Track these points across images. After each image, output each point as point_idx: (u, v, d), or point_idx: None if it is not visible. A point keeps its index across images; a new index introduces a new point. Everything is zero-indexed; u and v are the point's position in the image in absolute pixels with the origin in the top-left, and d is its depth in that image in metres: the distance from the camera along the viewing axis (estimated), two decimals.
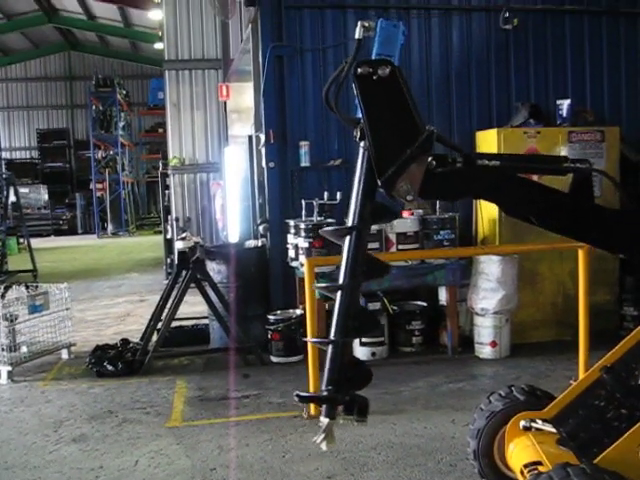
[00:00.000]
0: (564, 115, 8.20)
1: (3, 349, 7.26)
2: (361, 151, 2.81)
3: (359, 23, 2.84)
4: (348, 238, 2.83)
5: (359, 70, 2.72)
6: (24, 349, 7.70)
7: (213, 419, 5.87)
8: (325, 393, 2.80)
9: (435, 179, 2.81)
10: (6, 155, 29.57)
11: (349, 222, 2.84)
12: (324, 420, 2.80)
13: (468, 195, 2.96)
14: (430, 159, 2.78)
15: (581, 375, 5.64)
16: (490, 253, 7.30)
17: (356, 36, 2.85)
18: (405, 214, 7.74)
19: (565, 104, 8.24)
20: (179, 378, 7.11)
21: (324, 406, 2.82)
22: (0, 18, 26.49)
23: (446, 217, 7.62)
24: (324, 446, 2.80)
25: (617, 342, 3.70)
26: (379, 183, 2.73)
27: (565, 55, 8.75)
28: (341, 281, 2.82)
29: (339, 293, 2.83)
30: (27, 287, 7.95)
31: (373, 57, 2.76)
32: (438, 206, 7.77)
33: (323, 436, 2.80)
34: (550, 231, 2.99)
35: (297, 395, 2.91)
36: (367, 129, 2.79)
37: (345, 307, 2.83)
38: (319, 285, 2.99)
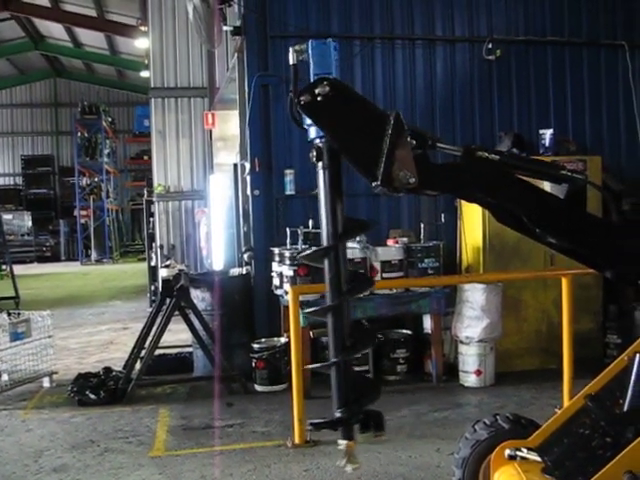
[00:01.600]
0: (547, 144, 8.30)
1: None
2: (320, 172, 2.80)
3: (290, 49, 2.86)
4: (326, 259, 2.82)
5: (302, 100, 2.73)
6: (5, 377, 7.62)
7: (196, 448, 5.81)
8: (338, 415, 2.77)
9: (434, 169, 2.81)
10: None
11: (324, 243, 2.82)
12: (342, 442, 2.77)
13: (464, 189, 2.95)
14: (409, 139, 2.78)
15: (566, 403, 5.64)
16: (474, 281, 7.32)
17: (290, 62, 2.87)
18: (390, 242, 7.77)
19: (548, 134, 8.34)
20: (162, 407, 7.04)
21: (341, 429, 2.79)
22: None
23: (430, 245, 7.65)
24: (349, 469, 2.78)
25: (601, 370, 3.70)
26: (378, 184, 2.70)
27: (547, 85, 8.88)
28: (329, 302, 2.81)
29: (329, 314, 2.82)
30: (9, 314, 7.88)
31: (311, 79, 2.76)
32: (422, 234, 7.80)
33: (346, 459, 2.77)
34: (541, 233, 2.96)
35: (311, 423, 2.88)
36: (339, 146, 2.79)
37: (338, 327, 2.82)
38: (308, 310, 2.96)
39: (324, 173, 2.78)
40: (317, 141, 2.80)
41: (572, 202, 2.94)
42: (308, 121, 2.77)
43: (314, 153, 2.79)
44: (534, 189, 2.91)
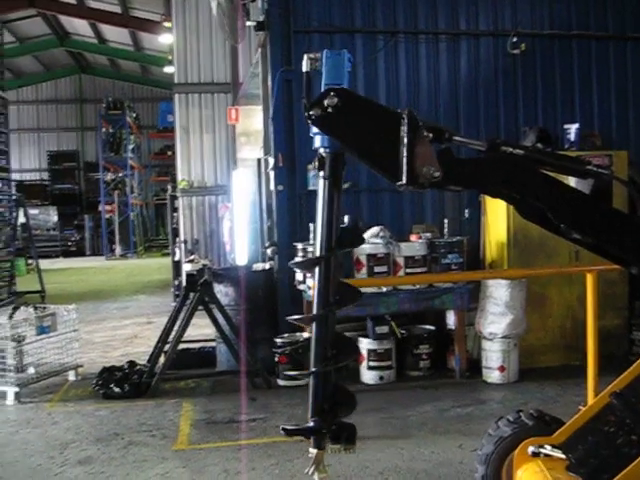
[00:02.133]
0: (572, 139, 8.22)
1: (10, 370, 7.26)
2: (321, 181, 2.80)
3: (305, 56, 2.84)
4: (317, 269, 2.83)
5: (312, 115, 2.72)
6: (31, 370, 7.70)
7: (219, 442, 5.84)
8: (311, 424, 2.79)
9: (458, 164, 2.80)
10: (16, 176, 29.67)
11: (316, 252, 2.81)
12: (313, 451, 2.79)
13: (488, 184, 2.93)
14: (426, 133, 2.78)
15: (590, 400, 5.59)
16: (498, 277, 7.29)
17: (303, 69, 2.87)
18: (413, 238, 7.74)
19: (573, 128, 8.26)
20: (186, 401, 7.09)
21: (312, 437, 2.81)
22: (13, 42, 26.78)
23: (454, 241, 7.62)
24: (316, 477, 2.79)
25: (627, 367, 3.66)
26: (404, 184, 2.69)
27: (573, 79, 8.79)
28: (314, 311, 2.83)
29: (314, 324, 2.84)
30: (35, 308, 7.97)
31: (322, 89, 2.75)
32: (446, 230, 7.77)
33: (314, 467, 2.79)
34: (566, 229, 2.93)
35: (283, 429, 2.90)
36: (358, 154, 2.80)
37: (321, 337, 2.83)
38: (291, 318, 2.97)
39: (324, 183, 2.78)
40: (321, 150, 2.78)
41: (598, 198, 2.91)
42: (314, 129, 2.77)
43: (317, 162, 2.79)
44: (559, 184, 2.88)
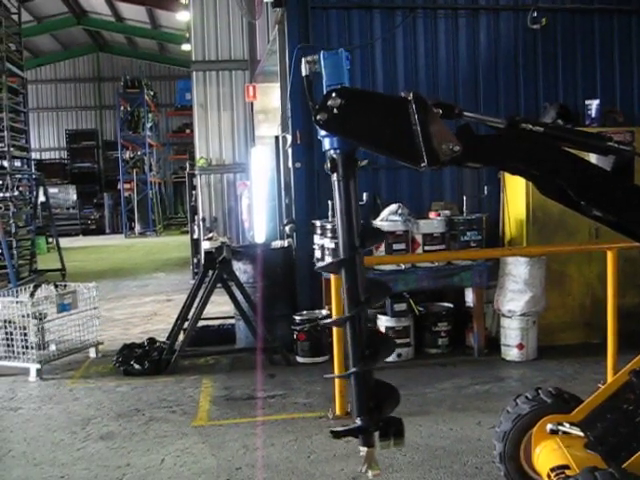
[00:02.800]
0: (593, 115, 8.13)
1: (32, 347, 7.34)
2: (335, 184, 2.79)
3: (303, 60, 2.83)
4: (343, 270, 2.83)
5: (319, 119, 2.70)
6: (53, 347, 7.79)
7: (239, 418, 5.89)
8: (359, 423, 2.80)
9: (477, 140, 2.78)
10: (36, 155, 29.88)
11: (340, 254, 2.81)
12: (363, 449, 2.81)
13: (508, 161, 2.91)
14: (435, 111, 2.76)
15: (609, 378, 5.58)
16: (517, 254, 7.25)
17: (303, 73, 2.86)
18: (432, 215, 7.72)
19: (594, 104, 8.17)
20: (205, 377, 7.15)
21: (361, 436, 2.83)
22: (30, 21, 26.80)
23: (473, 218, 7.58)
24: (370, 474, 2.83)
25: None
26: (426, 165, 2.68)
27: (594, 55, 8.67)
28: (346, 312, 2.83)
29: (347, 324, 2.84)
30: (56, 286, 8.04)
31: (324, 90, 2.74)
32: (465, 207, 7.74)
33: (366, 465, 2.82)
34: (586, 206, 2.91)
35: (331, 431, 2.92)
36: (373, 148, 2.80)
37: (356, 336, 2.84)
38: (325, 322, 3.00)
39: (339, 184, 2.77)
40: (331, 152, 2.78)
41: (619, 174, 2.88)
42: (322, 132, 2.75)
43: (328, 165, 2.78)
44: (579, 161, 2.85)
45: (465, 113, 2.86)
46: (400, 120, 2.70)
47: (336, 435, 2.92)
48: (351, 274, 2.79)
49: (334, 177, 2.77)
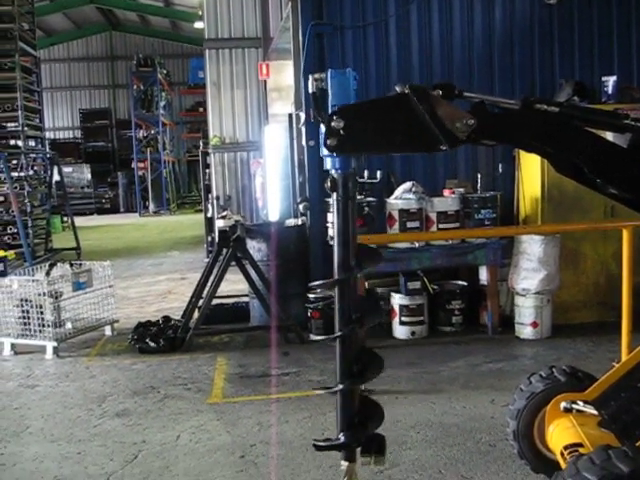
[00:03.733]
0: (609, 92, 8.03)
1: (49, 325, 7.41)
2: (335, 203, 2.82)
3: (310, 77, 2.84)
4: (337, 289, 2.86)
5: (330, 145, 2.71)
6: (69, 325, 7.86)
7: (253, 396, 5.93)
8: (342, 438, 2.86)
9: (492, 117, 2.78)
10: (50, 135, 29.93)
11: (335, 274, 2.85)
12: (344, 464, 2.87)
13: (523, 138, 2.91)
14: (436, 92, 2.75)
15: (624, 357, 5.57)
16: (532, 233, 7.22)
17: (310, 90, 2.86)
18: (446, 193, 7.69)
19: (611, 81, 8.06)
20: (220, 355, 7.19)
21: (343, 450, 2.89)
22: None
23: (487, 196, 7.55)
24: None
25: None
26: (446, 148, 2.70)
27: (611, 30, 8.55)
28: (337, 329, 2.86)
29: (337, 341, 2.87)
30: (71, 265, 8.09)
31: (329, 110, 2.77)
32: (479, 185, 7.69)
33: (347, 478, 2.87)
34: (602, 183, 2.89)
35: (314, 445, 2.99)
36: (392, 152, 2.84)
37: (345, 354, 2.88)
38: (315, 338, 3.06)
39: (338, 204, 2.81)
40: (332, 172, 2.81)
41: (635, 152, 2.85)
42: (324, 152, 2.76)
43: (329, 184, 2.81)
44: (596, 138, 2.83)
45: (466, 93, 2.86)
46: (407, 116, 2.72)
47: (318, 448, 3.01)
48: (343, 295, 2.84)
49: (334, 196, 2.82)
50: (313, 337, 7.44)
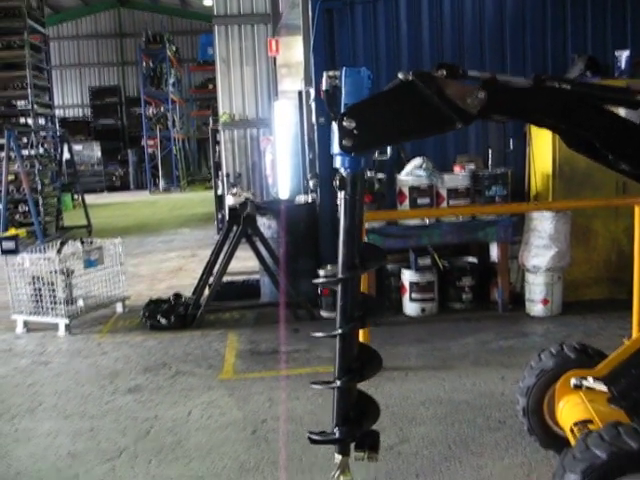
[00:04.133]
0: (622, 67, 7.94)
1: (61, 303, 7.46)
2: (342, 202, 2.85)
3: (324, 74, 2.84)
4: (340, 287, 2.89)
5: (346, 146, 2.74)
6: (80, 303, 7.91)
7: (264, 372, 5.96)
8: (337, 434, 2.93)
9: (503, 91, 2.79)
10: (59, 113, 29.94)
11: (339, 272, 2.88)
12: (338, 457, 2.94)
13: (533, 114, 2.90)
14: (439, 72, 2.76)
15: (634, 334, 5.57)
16: (543, 209, 7.19)
17: (323, 88, 2.85)
18: (457, 169, 7.65)
19: (624, 55, 7.97)
20: (230, 332, 7.23)
21: (337, 445, 2.96)
22: None
23: (498, 172, 7.50)
24: None
25: None
26: (462, 125, 2.73)
27: (625, 3, 8.43)
28: (338, 327, 2.91)
29: (337, 338, 2.90)
30: (82, 242, 8.13)
31: (342, 109, 2.77)
32: (490, 161, 7.65)
33: (339, 472, 2.94)
34: (614, 159, 2.87)
35: (309, 438, 3.06)
36: (409, 139, 2.86)
37: (344, 351, 2.97)
38: (317, 334, 3.09)
39: (345, 202, 2.85)
40: (341, 170, 2.84)
41: None
42: (336, 150, 2.78)
43: (337, 183, 2.85)
44: (608, 114, 2.81)
45: (470, 73, 2.85)
46: (416, 102, 2.73)
47: (313, 442, 3.08)
48: (346, 293, 2.89)
49: (341, 194, 2.86)
50: (323, 314, 7.47)
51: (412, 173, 7.40)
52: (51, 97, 17.17)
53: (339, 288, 2.89)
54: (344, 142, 2.74)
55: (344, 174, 2.83)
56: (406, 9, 8.14)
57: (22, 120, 16.03)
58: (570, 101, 2.80)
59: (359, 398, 3.02)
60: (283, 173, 11.23)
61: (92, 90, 34.49)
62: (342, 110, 2.76)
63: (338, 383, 2.91)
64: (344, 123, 2.71)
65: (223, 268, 7.63)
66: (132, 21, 35.02)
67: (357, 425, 2.97)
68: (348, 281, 2.87)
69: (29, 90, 14.96)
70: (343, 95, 2.80)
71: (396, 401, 5.11)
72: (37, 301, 7.57)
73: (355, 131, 2.71)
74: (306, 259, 7.95)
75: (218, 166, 14.85)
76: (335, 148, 2.79)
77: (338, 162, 2.84)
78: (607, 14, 8.41)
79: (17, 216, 14.73)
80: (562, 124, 2.92)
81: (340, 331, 2.88)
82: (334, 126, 2.76)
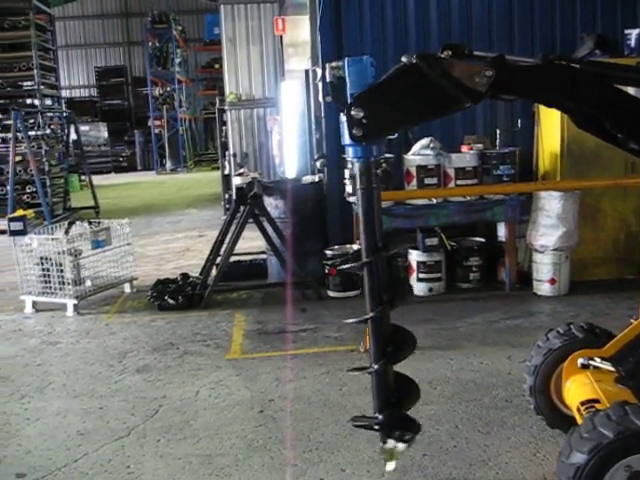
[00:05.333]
0: (632, 45, 7.86)
1: (69, 283, 7.49)
2: (359, 192, 2.86)
3: (327, 66, 2.85)
4: (366, 270, 2.89)
5: (357, 135, 2.74)
6: (88, 283, 7.94)
7: (271, 352, 5.99)
8: (380, 419, 2.93)
9: (512, 69, 2.77)
10: (66, 93, 29.82)
11: (363, 257, 2.89)
12: (390, 442, 2.95)
13: (541, 92, 2.88)
14: (444, 54, 2.76)
15: None
16: (551, 189, 7.16)
17: (327, 79, 2.83)
18: (464, 149, 7.62)
19: (634, 33, 7.89)
20: (238, 312, 7.25)
21: (380, 431, 2.96)
22: None
23: (506, 152, 7.47)
24: (389, 467, 3.04)
25: None
26: (471, 104, 2.72)
27: None
28: (368, 311, 2.88)
29: (369, 323, 2.89)
30: (90, 223, 8.15)
31: (348, 98, 2.77)
32: (498, 141, 7.62)
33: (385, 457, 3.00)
34: (623, 138, 2.86)
35: (353, 424, 3.11)
36: (420, 123, 2.86)
37: (377, 336, 2.92)
38: (349, 321, 3.09)
39: (361, 191, 2.85)
40: (354, 161, 2.86)
41: None
42: (347, 140, 2.78)
43: (349, 176, 2.89)
44: (617, 92, 2.78)
45: (476, 52, 2.84)
46: (423, 85, 2.71)
47: (356, 426, 3.13)
48: (372, 277, 2.88)
49: (357, 186, 2.87)
50: (331, 293, 7.49)
51: (420, 153, 7.38)
52: (57, 78, 17.12)
53: (365, 272, 2.89)
54: (354, 132, 2.73)
55: (357, 164, 2.84)
56: None
57: (28, 101, 16.01)
58: (579, 79, 2.78)
59: (397, 379, 3.02)
60: (290, 153, 11.21)
61: (98, 70, 34.35)
62: (349, 100, 2.74)
63: (375, 367, 2.90)
64: (352, 113, 2.71)
65: (230, 248, 7.64)
66: (138, 0, 34.79)
67: (398, 408, 2.98)
68: (373, 264, 2.86)
69: (35, 71, 14.92)
70: (348, 84, 2.79)
71: None
72: (45, 282, 7.60)
73: (364, 120, 2.70)
74: (313, 239, 7.96)
75: (225, 146, 14.82)
76: (346, 139, 2.78)
77: (350, 153, 2.84)
78: None
79: (25, 197, 14.75)
80: (571, 103, 2.89)
81: (372, 314, 2.87)
82: (342, 117, 2.75)
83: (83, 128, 26.92)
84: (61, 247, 7.52)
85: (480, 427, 4.36)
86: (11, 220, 8.25)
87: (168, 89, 30.13)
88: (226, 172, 14.08)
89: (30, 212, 10.03)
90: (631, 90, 2.90)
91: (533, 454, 3.99)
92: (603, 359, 3.70)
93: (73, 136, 17.31)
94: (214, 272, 7.77)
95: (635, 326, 3.77)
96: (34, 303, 7.66)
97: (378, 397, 2.95)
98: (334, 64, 2.84)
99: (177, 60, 29.46)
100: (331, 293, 7.55)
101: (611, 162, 7.24)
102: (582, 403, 3.51)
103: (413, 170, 7.30)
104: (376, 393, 2.96)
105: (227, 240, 7.80)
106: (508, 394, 4.82)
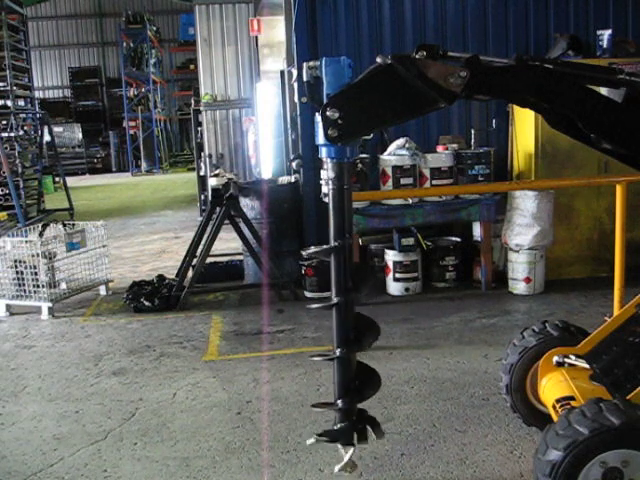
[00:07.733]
0: (604, 46, 7.95)
1: (43, 286, 7.42)
2: (331, 191, 2.94)
3: (304, 65, 2.87)
4: (333, 256, 2.91)
5: (332, 135, 2.76)
6: (63, 286, 7.87)
7: (248, 353, 5.97)
8: (339, 403, 3.00)
9: (486, 70, 2.79)
10: (39, 94, 29.60)
11: (331, 241, 2.92)
12: (343, 449, 3.08)
13: (515, 93, 2.91)
14: (419, 54, 2.78)
15: (616, 312, 5.61)
16: (525, 188, 7.21)
17: (304, 79, 2.85)
18: (439, 149, 7.66)
19: (606, 34, 7.98)
20: (215, 313, 7.22)
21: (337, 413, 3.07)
22: None
23: (481, 152, 7.52)
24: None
25: None
26: (446, 105, 2.76)
27: None
28: (334, 298, 2.90)
29: (333, 309, 2.90)
30: (64, 225, 8.07)
31: (324, 98, 2.79)
32: (473, 141, 7.66)
33: (344, 464, 3.09)
34: (596, 138, 2.88)
35: (312, 406, 3.30)
36: (394, 122, 3.19)
37: (342, 322, 2.93)
38: (312, 306, 3.10)
39: (333, 191, 2.92)
40: (327, 160, 2.89)
41: (630, 106, 2.84)
42: (321, 140, 2.82)
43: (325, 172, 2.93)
44: (590, 92, 2.81)
45: (450, 53, 2.86)
46: (398, 86, 2.72)
47: (314, 406, 3.31)
48: (339, 261, 2.92)
49: (330, 185, 2.92)
50: (307, 294, 7.48)
51: (395, 153, 7.40)
52: (30, 78, 16.96)
53: (332, 258, 2.89)
54: (329, 132, 2.74)
55: (330, 164, 2.86)
56: None
57: (1, 102, 15.83)
58: (552, 80, 2.80)
59: (359, 369, 3.03)
60: (266, 154, 11.19)
61: (72, 71, 34.09)
62: (324, 101, 2.75)
63: (337, 353, 2.90)
64: (328, 113, 2.71)
65: (206, 250, 7.61)
66: (112, 1, 34.56)
67: (359, 395, 2.99)
68: (339, 249, 2.87)
69: (7, 71, 14.77)
70: (325, 85, 2.80)
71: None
72: (19, 285, 7.52)
73: (339, 121, 2.71)
74: (289, 240, 7.96)
75: (200, 147, 14.77)
76: (320, 139, 2.78)
77: (324, 153, 2.85)
78: None
79: None
80: (544, 103, 2.92)
81: (336, 300, 2.87)
82: (317, 117, 2.76)
83: (57, 129, 26.69)
84: (35, 249, 7.44)
85: (457, 426, 4.38)
86: None
87: (143, 90, 29.98)
88: (202, 173, 14.03)
89: (3, 214, 9.93)
90: (603, 90, 2.93)
91: (510, 452, 4.01)
92: (578, 357, 3.73)
93: (47, 137, 17.11)
94: (190, 274, 7.74)
95: (609, 324, 3.81)
96: (8, 306, 7.57)
97: (339, 383, 2.96)
98: (311, 63, 2.84)
99: (152, 61, 29.32)
100: (308, 293, 7.55)
101: (585, 162, 7.32)
102: (557, 400, 3.54)
103: (389, 170, 7.32)
104: (337, 379, 2.97)
105: (203, 241, 7.77)
106: (485, 392, 4.84)
